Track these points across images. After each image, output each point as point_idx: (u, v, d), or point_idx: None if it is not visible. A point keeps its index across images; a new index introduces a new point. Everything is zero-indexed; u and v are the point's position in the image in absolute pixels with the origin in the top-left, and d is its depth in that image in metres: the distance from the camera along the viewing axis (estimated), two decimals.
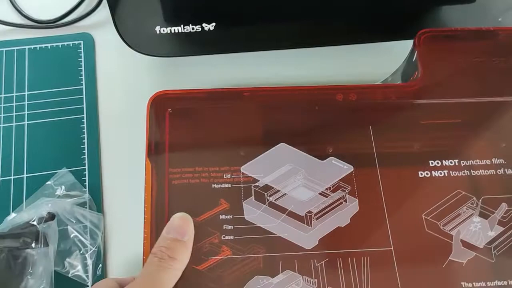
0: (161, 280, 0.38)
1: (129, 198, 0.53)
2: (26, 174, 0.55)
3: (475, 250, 0.43)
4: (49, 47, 0.62)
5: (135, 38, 0.54)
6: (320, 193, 0.45)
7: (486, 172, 0.46)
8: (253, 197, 0.45)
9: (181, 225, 0.41)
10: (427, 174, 0.46)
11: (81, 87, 0.59)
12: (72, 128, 0.57)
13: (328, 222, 0.44)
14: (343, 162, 0.46)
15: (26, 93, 0.59)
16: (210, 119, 0.48)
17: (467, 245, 0.43)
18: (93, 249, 0.51)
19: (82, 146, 0.56)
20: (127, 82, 0.60)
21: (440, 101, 0.49)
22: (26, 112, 0.58)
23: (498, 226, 0.44)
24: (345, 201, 0.45)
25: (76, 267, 0.50)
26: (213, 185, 0.45)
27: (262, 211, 0.44)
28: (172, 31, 0.53)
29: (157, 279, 0.38)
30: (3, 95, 0.59)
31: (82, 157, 0.55)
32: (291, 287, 0.41)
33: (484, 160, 0.46)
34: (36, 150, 0.56)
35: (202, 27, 0.53)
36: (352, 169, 0.46)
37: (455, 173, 0.46)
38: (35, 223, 0.50)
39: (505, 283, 0.42)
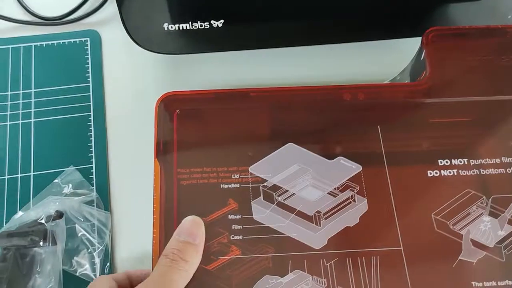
0: (173, 281, 0.38)
1: (136, 196, 0.53)
2: (33, 172, 0.55)
3: (485, 249, 0.43)
4: (55, 44, 0.62)
5: (143, 35, 0.53)
6: (328, 193, 0.45)
7: (496, 171, 0.46)
8: (261, 197, 0.44)
9: (193, 228, 0.41)
10: (436, 173, 0.46)
11: (88, 84, 0.59)
12: (79, 126, 0.57)
13: (337, 222, 0.44)
14: (352, 162, 0.46)
15: (33, 90, 0.59)
16: (218, 120, 0.48)
17: (477, 244, 0.43)
18: (101, 247, 0.51)
19: (89, 144, 0.56)
20: (134, 79, 0.60)
21: (448, 100, 0.49)
22: (32, 110, 0.58)
23: (508, 225, 0.44)
24: (354, 200, 0.45)
25: (84, 266, 0.50)
26: (221, 185, 0.45)
27: (270, 211, 0.44)
28: (180, 28, 0.53)
29: (169, 280, 0.38)
30: (9, 93, 0.59)
31: (90, 155, 0.55)
32: (301, 286, 0.41)
33: (494, 159, 0.46)
34: (43, 148, 0.56)
35: (210, 24, 0.53)
36: (361, 169, 0.46)
37: (464, 172, 0.46)
38: (43, 221, 0.50)
39: None
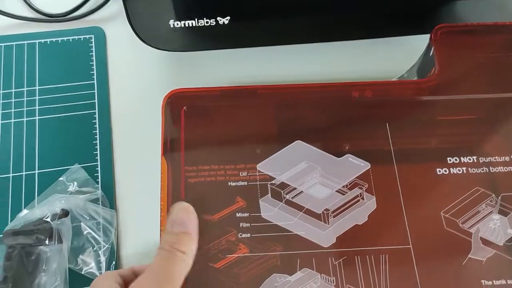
0: (173, 272, 0.38)
1: (142, 194, 0.53)
2: (38, 170, 0.55)
3: (495, 247, 0.43)
4: (59, 41, 0.61)
5: (149, 33, 0.53)
6: (337, 191, 0.44)
7: (505, 169, 0.46)
8: (269, 195, 0.44)
9: (184, 217, 0.41)
10: (445, 171, 0.45)
11: (93, 82, 0.59)
12: (84, 123, 0.57)
13: (346, 220, 0.43)
14: (360, 159, 0.46)
15: (37, 88, 0.58)
16: (225, 117, 0.47)
17: (486, 242, 0.43)
18: (107, 246, 0.50)
19: (94, 142, 0.56)
20: (139, 77, 0.60)
21: (457, 97, 0.48)
22: (37, 107, 0.57)
23: None
24: (363, 198, 0.44)
25: (89, 264, 0.50)
26: (229, 183, 0.44)
27: (278, 209, 0.44)
28: (186, 25, 0.53)
29: (169, 271, 0.38)
30: (13, 90, 0.58)
31: (95, 152, 0.55)
32: (309, 285, 0.41)
33: (503, 157, 0.46)
34: (48, 146, 0.56)
35: (217, 21, 0.53)
36: (369, 166, 0.45)
37: (473, 170, 0.45)
38: (48, 219, 0.49)
39: None
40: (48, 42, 0.61)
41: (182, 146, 0.45)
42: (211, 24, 0.53)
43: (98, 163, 0.55)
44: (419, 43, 0.52)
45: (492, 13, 0.56)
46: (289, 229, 0.43)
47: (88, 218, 0.51)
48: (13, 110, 0.57)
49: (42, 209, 0.50)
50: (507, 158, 0.46)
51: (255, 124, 0.47)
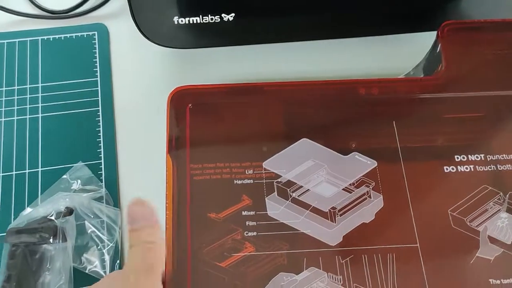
0: (151, 263, 0.37)
1: (146, 192, 0.52)
2: (41, 168, 0.54)
3: (503, 246, 0.42)
4: (62, 38, 0.61)
5: (153, 29, 0.53)
6: (343, 189, 0.44)
7: None
8: (275, 193, 0.44)
9: (140, 211, 0.40)
10: (452, 169, 0.45)
11: (96, 79, 0.58)
12: (88, 121, 0.56)
13: (353, 218, 0.43)
14: (367, 157, 0.45)
15: (40, 85, 0.58)
16: (231, 115, 0.47)
17: (494, 241, 0.43)
18: (111, 244, 0.50)
19: (97, 140, 0.55)
20: (142, 74, 0.59)
21: (464, 94, 0.48)
22: (40, 105, 0.57)
23: None
24: (369, 196, 0.44)
25: (93, 263, 0.50)
26: (235, 181, 0.44)
27: (285, 207, 0.43)
28: (191, 22, 0.52)
29: (146, 264, 0.37)
30: (16, 87, 0.58)
31: (98, 150, 0.55)
32: (316, 284, 0.41)
33: (511, 155, 0.46)
34: (51, 143, 0.55)
35: (221, 18, 0.52)
36: (376, 164, 0.45)
37: (481, 168, 0.45)
38: (53, 218, 0.49)
39: None
40: (51, 39, 0.61)
41: (187, 143, 0.45)
42: (216, 20, 0.52)
43: (102, 161, 0.54)
44: (425, 40, 0.52)
45: (499, 9, 0.56)
46: (296, 227, 0.43)
47: (92, 216, 0.51)
48: (16, 108, 0.57)
49: (46, 207, 0.50)
50: None
51: (261, 121, 0.47)
